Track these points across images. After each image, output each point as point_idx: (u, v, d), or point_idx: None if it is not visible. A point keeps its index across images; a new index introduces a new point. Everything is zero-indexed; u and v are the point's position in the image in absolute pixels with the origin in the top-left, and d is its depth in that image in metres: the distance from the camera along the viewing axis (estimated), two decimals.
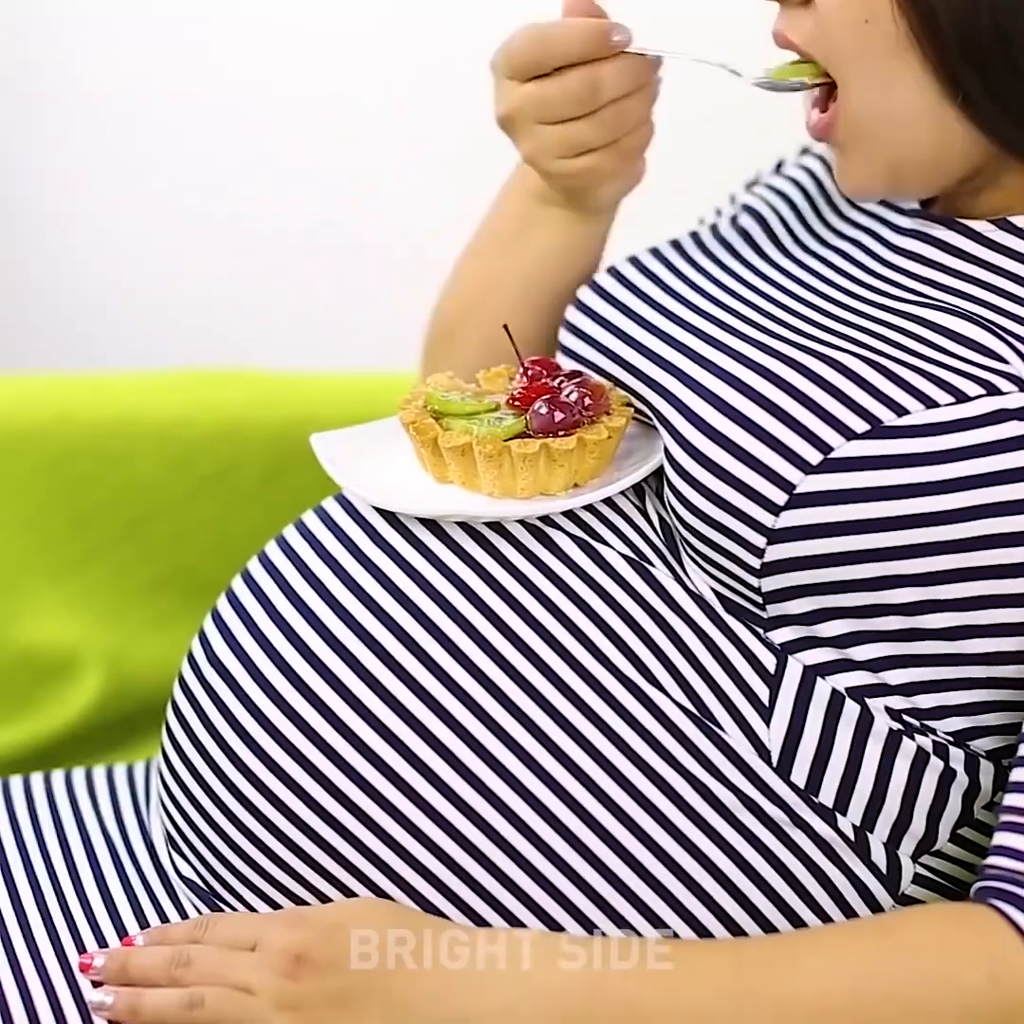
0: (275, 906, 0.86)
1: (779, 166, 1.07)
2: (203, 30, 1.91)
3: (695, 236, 1.00)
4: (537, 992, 0.79)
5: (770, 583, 0.84)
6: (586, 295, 0.98)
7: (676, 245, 1.00)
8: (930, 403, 0.82)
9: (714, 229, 1.01)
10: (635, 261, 0.99)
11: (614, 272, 0.98)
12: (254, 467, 1.30)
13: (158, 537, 1.28)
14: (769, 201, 1.02)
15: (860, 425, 0.82)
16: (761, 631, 0.85)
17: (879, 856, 0.85)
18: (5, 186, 2.03)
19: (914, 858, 0.86)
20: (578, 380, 0.90)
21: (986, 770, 0.86)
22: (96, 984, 0.85)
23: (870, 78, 0.85)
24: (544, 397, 0.88)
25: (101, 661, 1.25)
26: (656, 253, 0.99)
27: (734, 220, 1.02)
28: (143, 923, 0.88)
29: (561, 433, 0.87)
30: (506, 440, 0.87)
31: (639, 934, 0.82)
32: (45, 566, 1.26)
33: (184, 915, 0.89)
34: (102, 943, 0.87)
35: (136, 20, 1.93)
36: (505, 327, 0.93)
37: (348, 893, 0.84)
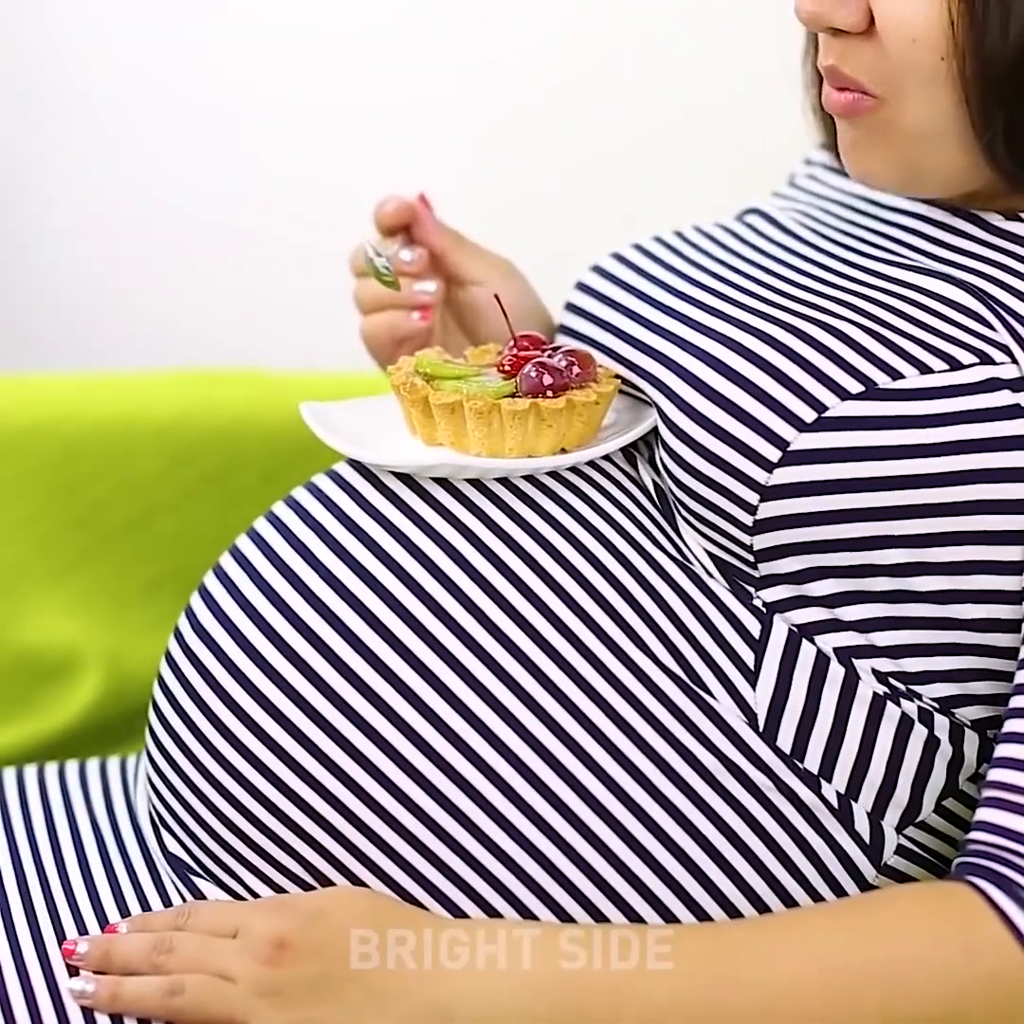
0: (262, 878, 0.86)
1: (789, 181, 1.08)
2: (203, 33, 1.91)
3: (697, 227, 1.02)
4: (516, 983, 0.79)
5: (762, 541, 0.85)
6: (589, 277, 1.00)
7: (679, 233, 1.02)
8: (924, 369, 0.83)
9: (716, 224, 1.03)
10: (638, 246, 1.01)
11: (617, 256, 1.01)
12: (253, 467, 1.30)
13: (157, 537, 1.28)
14: (774, 203, 1.04)
15: (855, 386, 0.83)
16: (750, 592, 0.86)
17: (863, 825, 0.85)
18: (5, 186, 2.03)
19: (898, 829, 0.86)
20: (566, 350, 0.92)
21: (971, 740, 0.87)
22: (74, 970, 0.85)
23: (922, 103, 0.84)
24: (534, 361, 0.90)
25: (100, 661, 1.25)
26: (658, 239, 1.01)
27: (739, 216, 1.03)
28: (125, 910, 0.88)
29: (549, 395, 0.88)
30: (496, 399, 0.88)
31: (625, 902, 0.83)
32: (44, 566, 1.26)
33: (168, 901, 0.89)
34: (83, 929, 0.87)
35: (135, 22, 1.93)
36: (496, 297, 0.95)
37: (331, 859, 0.84)
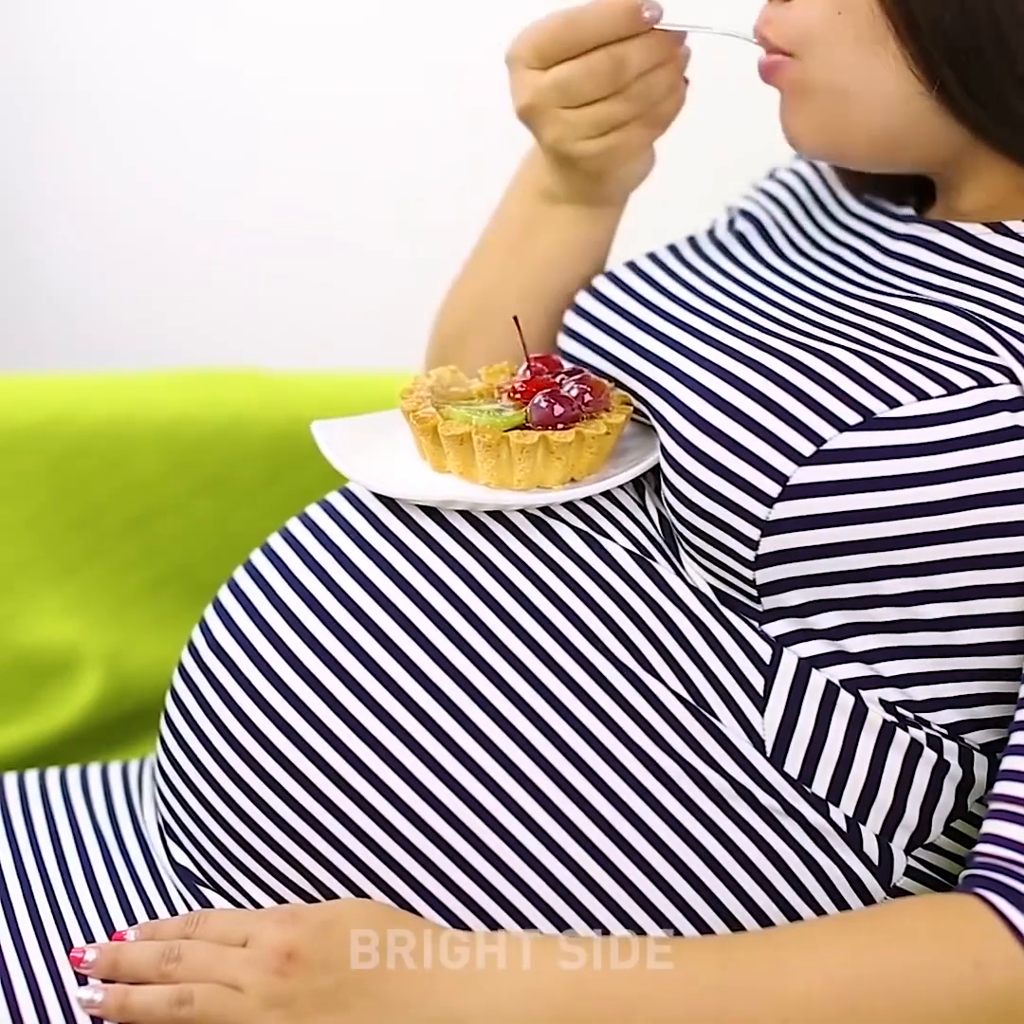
0: (269, 892, 0.86)
1: (772, 173, 1.08)
2: (202, 31, 1.92)
3: (692, 241, 1.02)
4: (525, 990, 0.79)
5: (764, 575, 0.84)
6: (584, 300, 0.99)
7: (673, 250, 1.01)
8: (922, 395, 0.82)
9: (711, 234, 1.02)
10: (633, 266, 1.00)
11: (612, 277, 1.00)
12: (254, 467, 1.30)
13: (158, 537, 1.28)
14: (764, 206, 1.03)
15: (852, 417, 0.82)
16: (756, 624, 0.86)
17: (871, 847, 0.85)
18: (5, 186, 2.03)
19: (907, 851, 0.86)
20: (579, 377, 0.91)
21: (980, 763, 0.87)
22: (83, 978, 0.84)
23: (833, 61, 0.86)
24: (544, 391, 0.89)
25: (101, 661, 1.25)
26: (653, 258, 1.00)
27: (731, 224, 1.03)
28: (132, 918, 0.88)
29: (560, 426, 0.88)
30: (505, 431, 0.87)
31: (633, 923, 0.83)
32: (45, 566, 1.26)
33: (173, 910, 0.89)
34: (89, 937, 0.87)
35: (136, 22, 1.93)
36: (515, 319, 0.94)
37: (341, 877, 0.85)
